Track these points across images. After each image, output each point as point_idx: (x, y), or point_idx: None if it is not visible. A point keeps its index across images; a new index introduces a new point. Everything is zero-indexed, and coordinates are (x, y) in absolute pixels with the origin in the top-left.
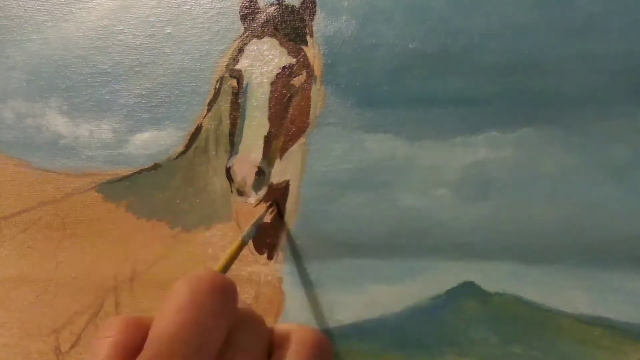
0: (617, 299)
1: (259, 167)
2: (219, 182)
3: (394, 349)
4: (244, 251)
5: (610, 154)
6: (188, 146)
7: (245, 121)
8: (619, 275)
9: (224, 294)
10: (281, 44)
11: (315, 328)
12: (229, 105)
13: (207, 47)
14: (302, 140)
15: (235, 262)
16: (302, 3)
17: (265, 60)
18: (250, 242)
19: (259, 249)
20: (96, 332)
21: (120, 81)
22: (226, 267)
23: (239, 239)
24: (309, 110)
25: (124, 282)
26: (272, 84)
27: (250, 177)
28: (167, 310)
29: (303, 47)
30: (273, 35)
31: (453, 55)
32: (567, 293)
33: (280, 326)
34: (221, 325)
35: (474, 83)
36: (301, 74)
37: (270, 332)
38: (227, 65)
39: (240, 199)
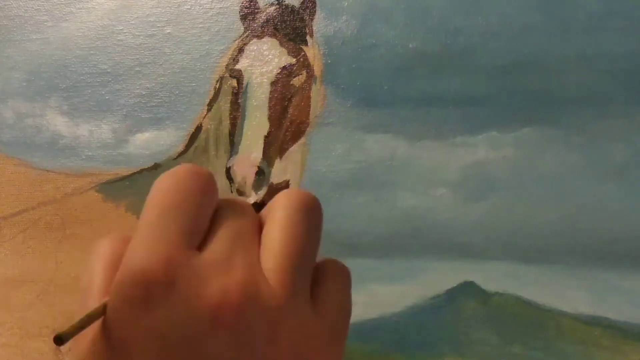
0: (617, 299)
1: (259, 167)
2: (219, 182)
3: (394, 349)
4: None
5: (610, 154)
6: (188, 146)
7: (245, 121)
8: (618, 275)
9: (205, 175)
10: (281, 44)
11: (299, 189)
12: (229, 105)
13: (207, 47)
14: (302, 140)
15: None
16: (302, 3)
17: (265, 60)
18: None
19: None
20: (90, 253)
21: (120, 81)
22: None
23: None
24: (309, 110)
25: None
26: (272, 84)
27: (250, 177)
28: (151, 199)
29: (303, 47)
30: (273, 35)
31: (453, 55)
32: (567, 293)
33: (270, 201)
34: (206, 198)
35: (474, 83)
36: (301, 74)
37: (260, 215)
38: (227, 65)
39: (240, 199)
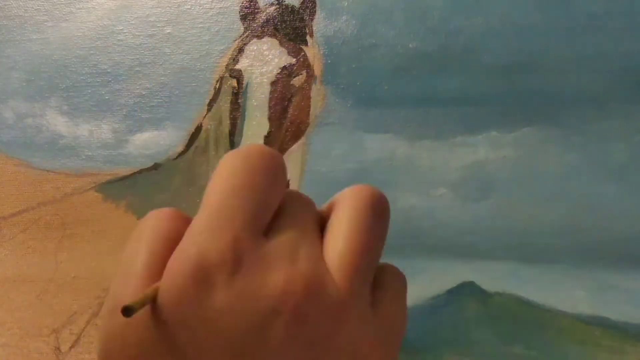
0: (617, 299)
1: None
2: None
3: None
4: None
5: (610, 154)
6: (188, 146)
7: (245, 121)
8: (618, 275)
9: (274, 159)
10: (281, 44)
11: (368, 185)
12: (229, 105)
13: (207, 47)
14: (302, 140)
15: None
16: (302, 3)
17: (265, 60)
18: None
19: None
20: (140, 223)
21: (120, 81)
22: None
23: None
24: (309, 110)
25: None
26: (272, 84)
27: None
28: (218, 177)
29: (303, 47)
30: (273, 35)
31: (453, 55)
32: (567, 293)
33: (332, 198)
34: (274, 192)
35: (474, 83)
36: (301, 74)
37: (320, 211)
38: (227, 65)
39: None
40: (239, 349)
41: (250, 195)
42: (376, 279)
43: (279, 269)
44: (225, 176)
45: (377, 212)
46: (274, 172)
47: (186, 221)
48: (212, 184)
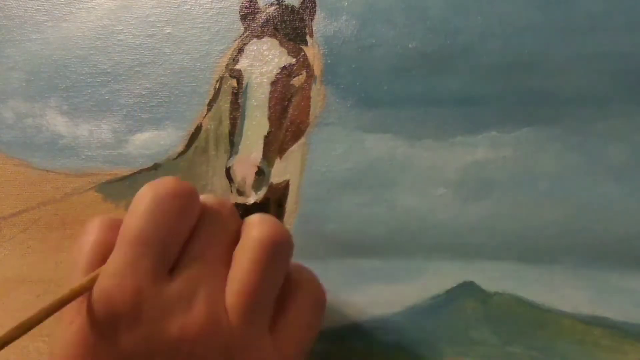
0: (616, 299)
1: (258, 167)
2: (218, 182)
3: (394, 349)
4: None
5: (610, 154)
6: (188, 146)
7: (245, 121)
8: (618, 275)
9: (185, 196)
10: (281, 44)
11: (276, 222)
12: (229, 105)
13: (207, 47)
14: (302, 140)
15: None
16: (302, 3)
17: (265, 60)
18: None
19: None
20: (81, 231)
21: (120, 81)
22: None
23: None
24: (309, 110)
25: None
26: (272, 84)
27: (250, 177)
28: (133, 214)
29: (303, 47)
30: (273, 35)
31: (453, 55)
32: (567, 293)
33: (248, 219)
34: (183, 224)
35: (474, 83)
36: (301, 74)
37: (240, 223)
38: (227, 65)
39: (240, 199)
40: None
41: (158, 239)
42: (282, 295)
43: (176, 316)
44: (136, 217)
45: (277, 252)
46: (181, 204)
47: (115, 228)
48: (126, 221)
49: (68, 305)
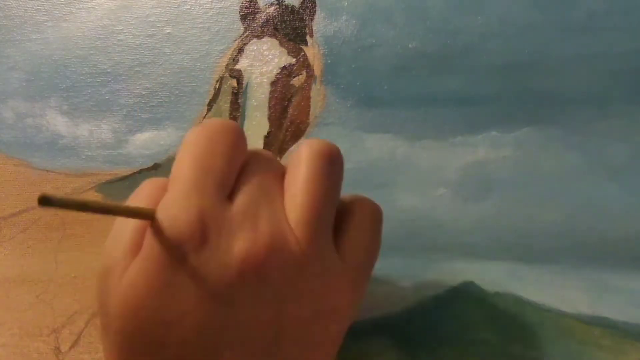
0: (617, 299)
1: None
2: None
3: (394, 349)
4: None
5: (610, 154)
6: None
7: (245, 121)
8: (619, 275)
9: (235, 131)
10: (281, 44)
11: (324, 139)
12: (228, 105)
13: (207, 47)
14: (302, 140)
15: None
16: (302, 3)
17: (265, 60)
18: None
19: None
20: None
21: (120, 81)
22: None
23: None
24: (309, 110)
25: None
26: (272, 84)
27: None
28: (183, 150)
29: (303, 47)
30: (273, 35)
31: (453, 55)
32: (567, 293)
33: (294, 149)
34: (235, 155)
35: (474, 83)
36: (301, 74)
37: (282, 166)
38: (227, 65)
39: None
40: (210, 308)
41: (212, 163)
42: (343, 216)
43: (242, 234)
44: (188, 149)
45: (329, 163)
46: (233, 140)
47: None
48: (178, 157)
49: (113, 260)
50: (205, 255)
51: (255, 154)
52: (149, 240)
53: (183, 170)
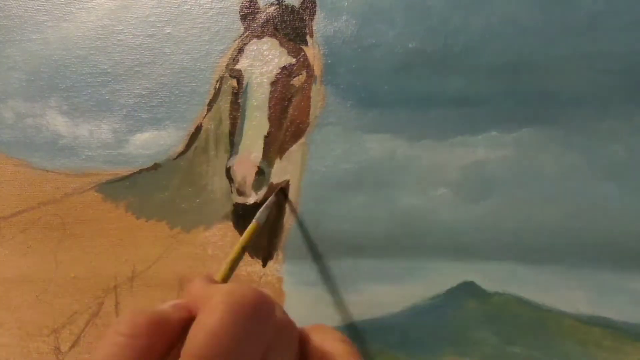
0: (617, 299)
1: (259, 167)
2: (219, 182)
3: (394, 349)
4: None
5: (610, 154)
6: (188, 146)
7: (245, 121)
8: (618, 275)
9: (264, 316)
10: (281, 44)
11: (344, 337)
12: (229, 105)
13: (207, 47)
14: (302, 140)
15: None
16: (302, 3)
17: (265, 60)
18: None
19: (254, 252)
20: (113, 326)
21: (120, 81)
22: (240, 254)
23: (253, 222)
24: (309, 110)
25: (123, 282)
26: (272, 84)
27: (250, 177)
28: (204, 332)
29: (303, 47)
30: (273, 35)
31: (453, 55)
32: (567, 293)
33: (312, 334)
34: (259, 349)
35: (474, 83)
36: (301, 74)
37: (299, 338)
38: (227, 65)
39: (240, 198)
40: None
41: (234, 357)
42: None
43: None
44: (211, 332)
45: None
46: (260, 328)
47: (161, 330)
48: (196, 331)
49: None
50: None
51: (279, 336)
52: None
53: (194, 357)
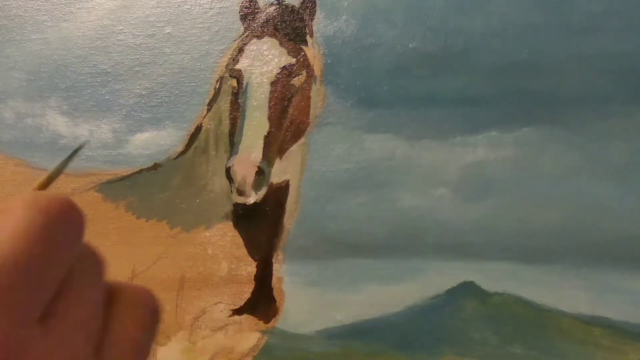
0: (616, 298)
1: (258, 167)
2: (219, 182)
3: (394, 349)
4: (244, 250)
5: (610, 154)
6: (188, 146)
7: (245, 121)
8: (618, 275)
9: (76, 225)
10: (281, 44)
11: (144, 287)
12: (229, 105)
13: (207, 47)
14: (302, 140)
15: (235, 261)
16: (302, 3)
17: (265, 60)
18: (245, 248)
19: (252, 253)
20: None
21: (120, 81)
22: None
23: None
24: (309, 110)
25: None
26: (272, 84)
27: (250, 177)
28: (12, 234)
29: (303, 47)
30: (273, 35)
31: (453, 55)
32: (567, 293)
33: (115, 282)
34: (66, 259)
35: (474, 83)
36: (301, 74)
37: (106, 283)
38: (227, 65)
39: (240, 198)
40: None
41: (37, 270)
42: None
43: None
44: (19, 236)
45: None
46: (72, 233)
47: None
48: (4, 237)
49: None
50: None
51: (83, 260)
52: None
53: (4, 265)
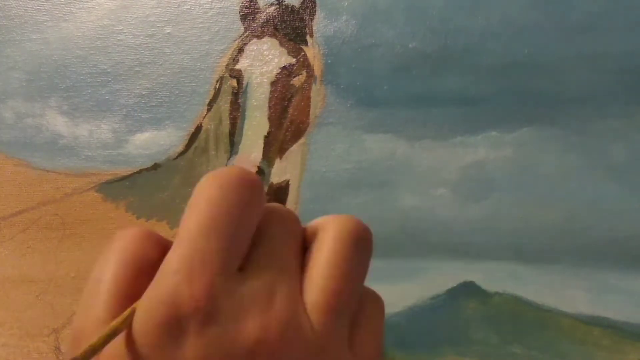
0: (616, 298)
1: (259, 167)
2: None
3: (394, 349)
4: None
5: (610, 154)
6: (188, 146)
7: (245, 121)
8: (618, 274)
9: (251, 187)
10: (281, 44)
11: (353, 216)
12: (229, 105)
13: (207, 47)
14: (302, 140)
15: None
16: (302, 3)
17: (265, 60)
18: None
19: None
20: (108, 245)
21: (120, 81)
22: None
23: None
24: (309, 110)
25: None
26: (272, 84)
27: None
28: (196, 205)
29: (303, 47)
30: (273, 35)
31: (453, 55)
32: (567, 293)
33: (315, 221)
34: (251, 217)
35: (474, 83)
36: (301, 74)
37: (304, 229)
38: (227, 65)
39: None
40: None
41: (227, 231)
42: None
43: (254, 315)
44: (201, 208)
45: (360, 247)
46: (250, 195)
47: (156, 243)
48: (188, 215)
49: (101, 295)
50: (210, 336)
51: (273, 215)
52: (142, 312)
53: (190, 232)
